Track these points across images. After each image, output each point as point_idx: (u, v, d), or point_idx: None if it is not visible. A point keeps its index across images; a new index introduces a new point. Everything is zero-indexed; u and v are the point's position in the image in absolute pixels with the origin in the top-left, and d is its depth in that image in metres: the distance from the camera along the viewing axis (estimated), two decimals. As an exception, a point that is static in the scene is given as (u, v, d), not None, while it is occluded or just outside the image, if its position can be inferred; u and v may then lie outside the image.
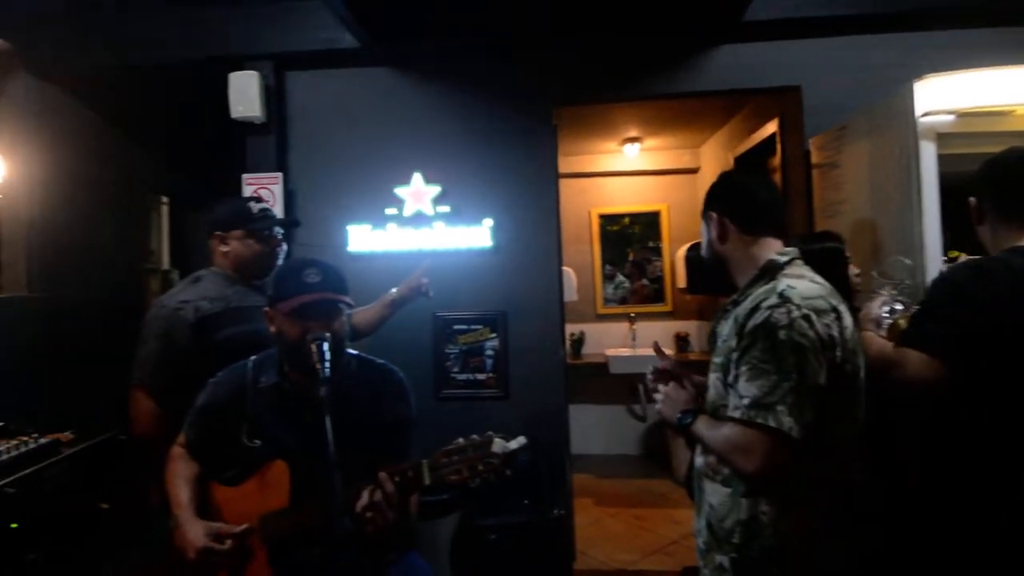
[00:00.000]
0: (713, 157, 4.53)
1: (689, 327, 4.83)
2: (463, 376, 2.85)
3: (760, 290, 1.26)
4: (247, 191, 2.76)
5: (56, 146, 2.71)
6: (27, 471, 1.35)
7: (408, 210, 2.90)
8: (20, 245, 2.51)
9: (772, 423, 1.13)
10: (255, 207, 1.97)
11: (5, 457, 1.35)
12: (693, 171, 4.91)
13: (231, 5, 2.79)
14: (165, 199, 3.79)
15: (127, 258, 3.28)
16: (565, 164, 3.02)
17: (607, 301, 4.99)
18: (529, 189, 2.91)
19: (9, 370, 2.33)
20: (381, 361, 1.70)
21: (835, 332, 1.17)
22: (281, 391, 1.54)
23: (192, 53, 2.83)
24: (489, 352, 2.86)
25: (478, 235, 2.88)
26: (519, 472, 1.37)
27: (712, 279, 4.26)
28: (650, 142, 4.64)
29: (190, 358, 1.76)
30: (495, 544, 2.34)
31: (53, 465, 1.42)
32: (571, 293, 4.18)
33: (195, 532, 1.42)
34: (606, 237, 5.00)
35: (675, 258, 4.75)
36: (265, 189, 2.76)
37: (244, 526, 1.44)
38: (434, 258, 2.87)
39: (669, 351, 4.23)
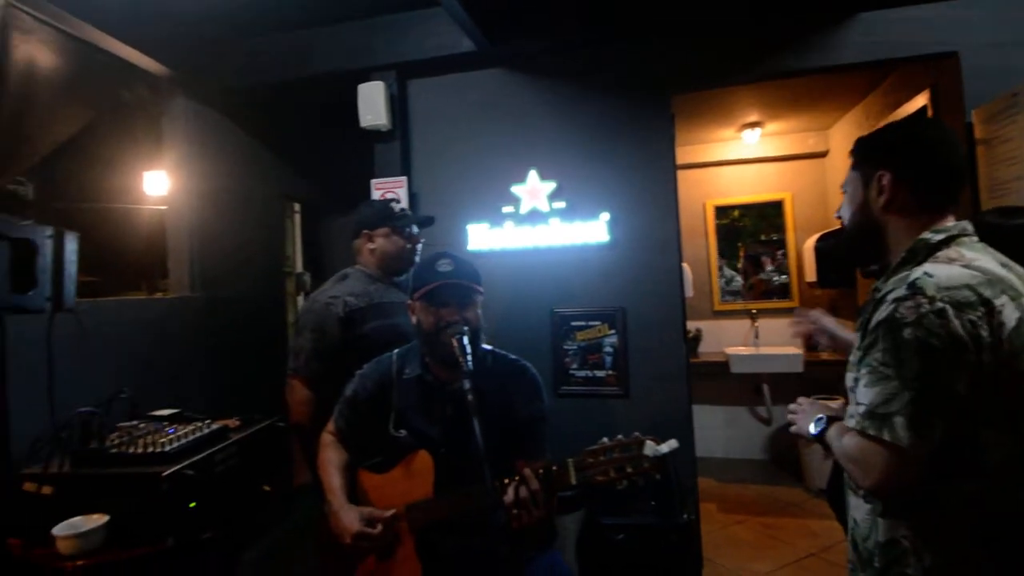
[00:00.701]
0: (844, 139, 4.14)
1: (819, 324, 4.45)
2: (582, 373, 2.81)
3: (897, 276, 1.05)
4: (375, 195, 2.89)
5: (209, 160, 3.01)
6: (202, 455, 1.49)
7: (524, 207, 2.91)
8: (183, 251, 2.82)
9: (887, 436, 0.96)
10: (396, 207, 2.13)
11: (185, 442, 1.49)
12: (820, 155, 4.52)
13: (357, 20, 2.95)
14: (297, 206, 4.10)
15: (268, 261, 3.58)
16: (678, 155, 2.89)
17: (724, 297, 4.73)
18: (646, 182, 2.81)
19: (177, 360, 2.62)
20: (514, 356, 1.71)
21: (984, 330, 0.95)
22: (424, 383, 1.59)
23: (323, 68, 3.02)
24: (608, 349, 2.79)
25: (594, 230, 2.83)
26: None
27: (849, 268, 3.93)
28: (772, 126, 4.33)
29: (339, 349, 1.90)
30: (622, 544, 2.28)
31: (223, 449, 1.55)
32: (687, 289, 4.00)
33: (350, 518, 1.49)
34: (722, 230, 4.75)
35: (802, 249, 4.40)
36: (392, 192, 2.87)
37: (392, 511, 1.49)
38: (550, 254, 2.89)
39: (797, 350, 3.98)
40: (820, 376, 4.01)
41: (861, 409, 1.01)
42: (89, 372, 1.84)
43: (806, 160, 4.55)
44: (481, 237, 2.94)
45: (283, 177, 3.77)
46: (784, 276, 4.61)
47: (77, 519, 1.34)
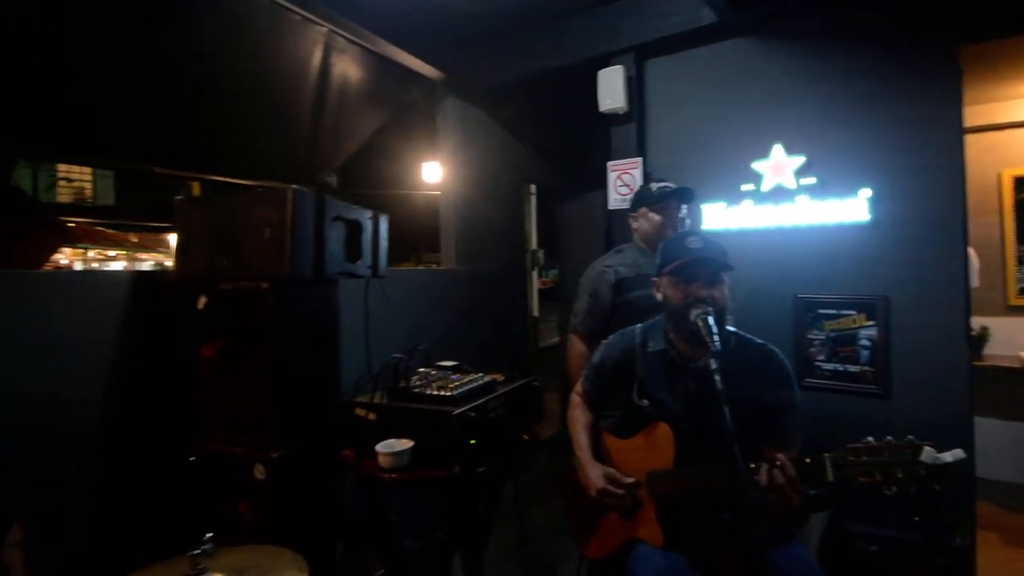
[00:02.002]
0: None
1: None
2: (830, 366, 2.58)
3: None
4: (611, 177, 3.01)
5: (471, 151, 3.46)
6: (479, 401, 1.78)
7: (766, 185, 2.75)
8: (452, 230, 3.30)
9: None
10: (655, 187, 2.26)
11: (466, 389, 1.81)
12: None
13: (598, 6, 3.06)
14: (533, 188, 4.44)
15: (512, 239, 3.98)
16: (964, 116, 2.43)
17: (1022, 290, 3.84)
18: (921, 150, 2.43)
19: (445, 321, 3.12)
20: (760, 340, 1.67)
21: None
22: (667, 358, 1.64)
23: (566, 60, 3.21)
24: (864, 342, 2.52)
25: (851, 208, 2.55)
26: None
27: None
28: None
29: (608, 312, 2.18)
30: (875, 558, 2.08)
31: (494, 399, 1.84)
32: (973, 278, 3.34)
33: (595, 474, 1.64)
34: (1022, 207, 3.83)
35: None
36: (627, 174, 2.96)
37: (634, 479, 1.59)
38: (795, 235, 2.69)
39: None
40: None
41: None
42: (388, 327, 2.30)
43: None
44: (717, 217, 2.86)
45: (524, 162, 4.12)
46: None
47: (392, 441, 1.72)
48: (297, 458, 1.76)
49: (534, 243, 4.39)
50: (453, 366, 2.05)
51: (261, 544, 1.37)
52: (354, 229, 1.99)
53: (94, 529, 1.79)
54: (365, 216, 2.03)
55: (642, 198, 2.31)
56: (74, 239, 9.06)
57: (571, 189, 4.46)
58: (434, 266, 3.61)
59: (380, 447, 1.71)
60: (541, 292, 4.58)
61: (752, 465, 1.35)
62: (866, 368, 2.49)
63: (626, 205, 3.02)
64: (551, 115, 4.26)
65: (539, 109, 4.15)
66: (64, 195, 13.97)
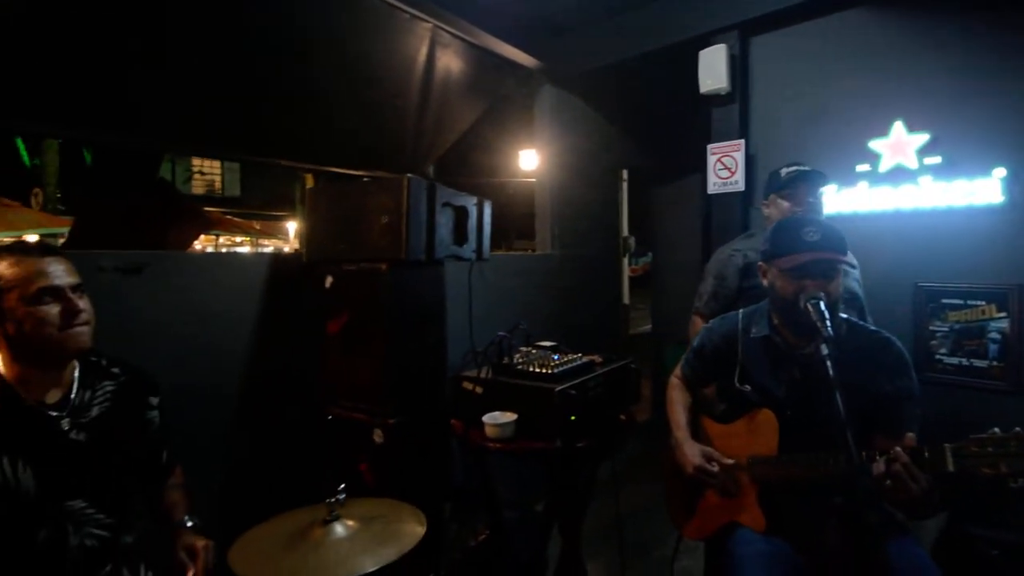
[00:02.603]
0: None
1: None
2: (953, 360, 2.41)
3: None
4: (711, 160, 2.95)
5: (567, 138, 3.51)
6: (579, 380, 1.85)
7: (884, 165, 2.59)
8: (548, 216, 3.38)
9: None
10: (784, 171, 2.17)
11: (566, 368, 1.89)
12: None
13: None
14: (625, 173, 4.42)
15: (605, 225, 4.00)
16: None
17: None
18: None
19: (539, 303, 3.21)
20: (874, 328, 1.61)
21: None
22: (771, 344, 1.62)
23: (666, 40, 3.17)
24: (994, 335, 2.33)
25: (983, 189, 2.36)
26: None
27: None
28: None
29: (734, 296, 2.16)
30: (999, 563, 1.95)
31: (593, 378, 1.90)
32: None
33: (692, 452, 1.65)
34: None
35: None
36: (728, 157, 2.89)
37: (733, 460, 1.60)
38: (916, 219, 2.52)
39: None
40: None
41: None
42: (489, 307, 2.42)
43: None
44: (828, 200, 2.72)
45: (618, 147, 4.11)
46: None
47: (497, 413, 1.84)
48: (411, 425, 1.92)
49: (625, 229, 4.38)
50: (552, 346, 2.14)
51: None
52: (461, 214, 2.11)
53: (238, 476, 2.06)
54: (471, 202, 2.15)
55: (771, 184, 2.21)
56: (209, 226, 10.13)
57: (666, 174, 4.40)
58: (529, 252, 3.71)
59: (487, 418, 1.82)
60: (631, 280, 4.56)
61: (864, 454, 1.32)
62: (994, 363, 2.31)
63: (727, 189, 2.96)
64: (647, 99, 4.20)
65: (634, 93, 4.11)
66: (198, 187, 15.65)
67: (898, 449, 1.28)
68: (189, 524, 1.39)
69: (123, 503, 1.32)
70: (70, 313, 1.22)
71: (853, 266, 2.19)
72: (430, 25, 2.99)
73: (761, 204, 2.29)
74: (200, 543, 1.34)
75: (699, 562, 1.98)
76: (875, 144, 2.61)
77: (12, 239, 6.11)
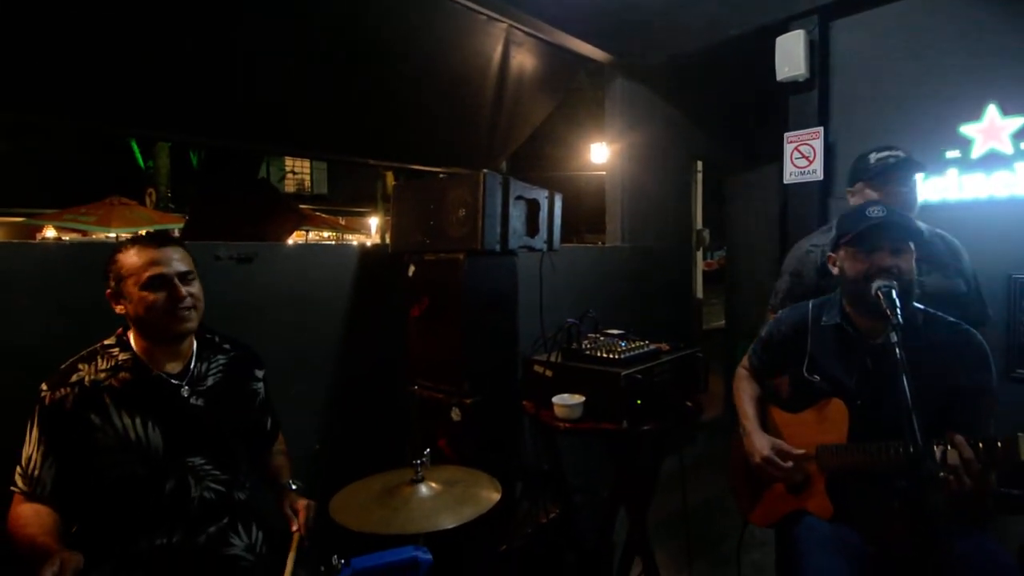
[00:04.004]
0: None
1: None
2: (1051, 355, 2.27)
3: None
4: (788, 149, 2.90)
5: (638, 130, 3.54)
6: (645, 366, 1.92)
7: (977, 151, 2.47)
8: (618, 209, 3.43)
9: None
10: (873, 158, 1.95)
11: (633, 354, 1.96)
12: None
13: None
14: (699, 164, 4.37)
15: (678, 217, 4.00)
16: None
17: None
18: None
19: (609, 294, 3.28)
20: (954, 319, 1.57)
21: None
22: (842, 332, 1.61)
23: (742, 29, 3.12)
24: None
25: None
26: None
27: None
28: None
29: (812, 294, 1.94)
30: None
31: (659, 365, 1.96)
32: None
33: (761, 443, 1.68)
34: None
35: None
36: (806, 145, 2.83)
37: (803, 451, 1.61)
38: (1012, 207, 2.39)
39: None
40: None
41: None
42: (558, 297, 2.51)
43: None
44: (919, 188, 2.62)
45: (691, 138, 4.07)
46: None
47: (566, 395, 1.94)
48: (486, 405, 2.06)
49: (699, 223, 4.33)
50: (620, 334, 2.21)
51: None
52: (533, 207, 2.22)
53: (332, 446, 2.27)
54: (542, 195, 2.25)
55: (858, 171, 2.00)
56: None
57: (742, 165, 4.30)
58: (600, 243, 3.76)
59: (556, 399, 1.93)
60: (705, 275, 4.50)
61: (936, 447, 1.31)
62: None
63: (804, 179, 2.90)
64: (719, 89, 4.13)
65: (708, 83, 4.06)
66: (290, 186, 16.79)
67: (960, 438, 1.27)
68: (293, 487, 1.57)
69: (235, 463, 1.51)
70: (173, 299, 1.38)
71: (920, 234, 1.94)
72: (505, 25, 3.11)
73: (846, 192, 2.09)
74: (303, 502, 1.52)
75: (769, 556, 2.00)
76: (966, 129, 2.49)
77: (130, 234, 6.85)
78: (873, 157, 1.95)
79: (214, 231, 2.81)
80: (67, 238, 9.92)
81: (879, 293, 1.42)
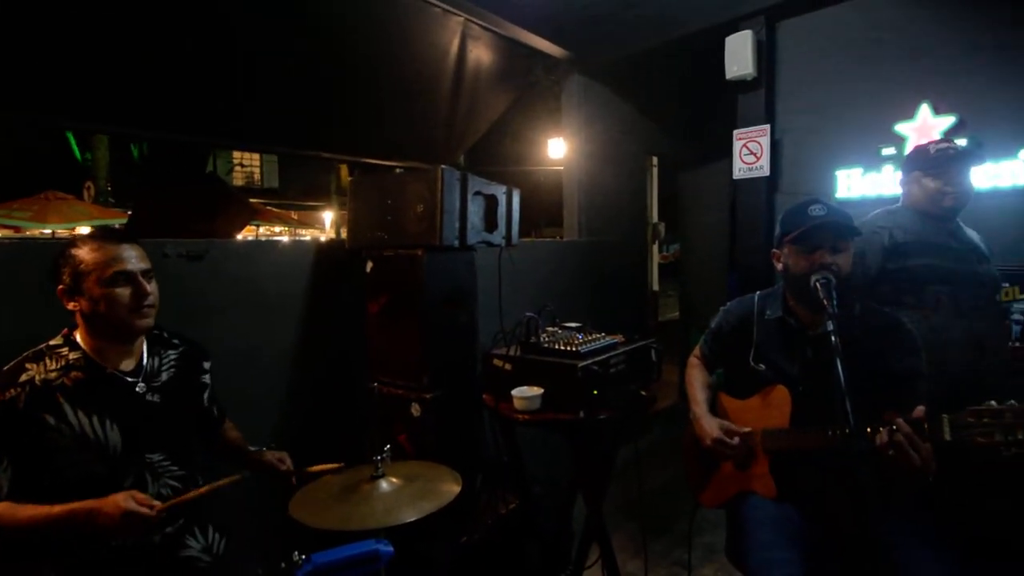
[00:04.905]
0: None
1: None
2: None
3: None
4: (737, 146, 3.01)
5: (594, 126, 3.59)
6: (602, 357, 1.97)
7: (910, 148, 2.60)
8: (575, 203, 3.48)
9: None
10: (932, 148, 1.99)
11: (590, 347, 2.00)
12: None
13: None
14: (655, 160, 4.47)
15: (633, 212, 4.08)
16: None
17: None
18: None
19: (566, 287, 3.32)
20: (887, 310, 1.68)
21: None
22: (785, 325, 1.71)
23: (694, 27, 3.21)
24: (1017, 316, 2.35)
25: (1009, 171, 2.38)
26: None
27: None
28: None
29: (873, 277, 1.98)
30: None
31: (615, 356, 2.02)
32: None
33: (710, 425, 1.75)
34: None
35: None
36: (754, 142, 2.94)
37: (748, 429, 1.69)
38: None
39: None
40: None
41: None
42: (517, 291, 2.54)
43: None
44: (853, 183, 2.77)
45: (645, 134, 4.16)
46: None
47: (524, 387, 1.96)
48: (445, 400, 2.07)
49: (655, 216, 4.43)
50: (577, 327, 2.25)
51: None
52: (491, 203, 2.23)
53: (289, 443, 2.24)
54: (500, 191, 2.27)
55: (916, 160, 2.01)
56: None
57: (694, 161, 4.43)
58: (558, 237, 3.81)
59: (515, 392, 1.96)
60: (663, 267, 4.62)
61: (868, 429, 1.40)
62: (1017, 343, 2.33)
63: (752, 174, 3.01)
64: (673, 86, 4.23)
65: (662, 80, 4.15)
66: (238, 179, 16.22)
67: (900, 420, 1.36)
68: (264, 448, 1.63)
69: (192, 458, 1.50)
70: (139, 296, 1.37)
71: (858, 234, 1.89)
72: (461, 18, 3.10)
73: (900, 181, 2.10)
74: (280, 454, 1.61)
75: (720, 538, 2.08)
76: (901, 127, 2.63)
77: (67, 231, 6.51)
78: (933, 148, 1.98)
79: (160, 227, 2.71)
80: (-1, 235, 9.36)
81: (817, 284, 1.51)
